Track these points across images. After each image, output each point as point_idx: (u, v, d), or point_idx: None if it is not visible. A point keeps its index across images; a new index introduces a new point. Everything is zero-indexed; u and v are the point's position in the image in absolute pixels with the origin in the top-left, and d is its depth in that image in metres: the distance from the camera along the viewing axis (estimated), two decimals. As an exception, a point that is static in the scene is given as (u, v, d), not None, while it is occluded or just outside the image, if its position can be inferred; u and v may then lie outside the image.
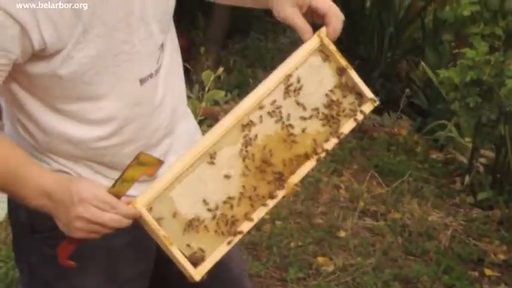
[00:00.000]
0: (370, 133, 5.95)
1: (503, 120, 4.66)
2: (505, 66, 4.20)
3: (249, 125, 2.02)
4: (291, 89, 2.05)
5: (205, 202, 1.97)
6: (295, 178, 2.04)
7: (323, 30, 2.06)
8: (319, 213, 4.81)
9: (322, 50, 2.08)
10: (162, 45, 2.03)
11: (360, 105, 2.11)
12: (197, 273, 1.93)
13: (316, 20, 2.09)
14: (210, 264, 1.96)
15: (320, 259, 4.31)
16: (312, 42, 2.06)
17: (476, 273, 4.30)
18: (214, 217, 1.98)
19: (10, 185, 1.89)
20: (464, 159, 5.47)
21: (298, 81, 2.05)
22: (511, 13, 4.59)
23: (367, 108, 2.12)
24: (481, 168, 5.24)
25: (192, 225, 1.96)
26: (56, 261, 1.93)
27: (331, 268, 4.22)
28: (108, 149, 2.02)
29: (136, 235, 2.01)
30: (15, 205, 2.10)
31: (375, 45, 7.19)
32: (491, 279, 4.29)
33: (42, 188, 1.86)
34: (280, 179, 2.03)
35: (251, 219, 2.01)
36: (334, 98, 2.09)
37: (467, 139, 5.55)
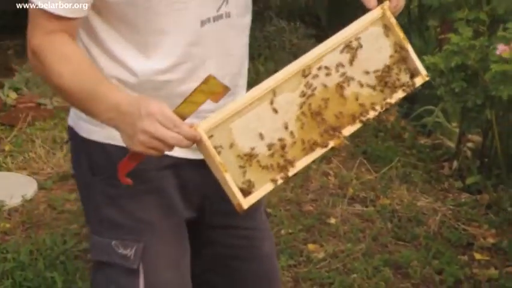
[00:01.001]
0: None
1: (489, 105, 4.68)
2: (490, 51, 4.22)
3: (310, 75, 2.14)
4: (351, 50, 2.18)
5: (261, 138, 2.09)
6: (345, 132, 2.17)
7: (387, 3, 2.22)
8: (309, 201, 4.83)
9: (383, 21, 2.23)
10: None
11: (411, 78, 2.26)
12: (246, 202, 2.04)
13: None
14: (255, 198, 2.07)
15: (310, 246, 4.33)
16: (375, 13, 2.22)
17: (465, 257, 4.33)
18: (267, 153, 2.09)
19: (84, 99, 2.02)
20: (451, 145, 5.49)
21: (359, 44, 2.19)
22: (495, -2, 4.61)
23: (418, 82, 2.27)
24: (469, 153, 5.27)
25: (246, 157, 2.07)
26: (119, 199, 2.20)
27: (321, 255, 4.25)
28: (165, 84, 2.15)
29: (184, 179, 2.28)
30: (76, 156, 2.32)
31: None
32: (481, 263, 4.32)
33: (113, 101, 1.97)
34: (331, 130, 2.14)
35: (296, 166, 2.12)
36: (389, 66, 2.23)
37: (454, 124, 5.58)
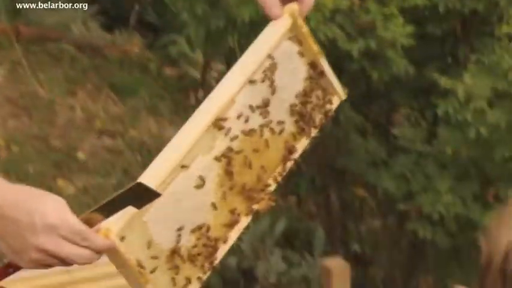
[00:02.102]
0: (102, 51, 5.88)
1: (231, 30, 4.68)
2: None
3: (224, 127, 1.70)
4: (267, 79, 1.76)
5: (181, 226, 1.67)
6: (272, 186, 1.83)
7: (295, 7, 1.78)
8: (56, 136, 4.73)
9: (294, 32, 1.81)
10: None
11: (327, 97, 1.91)
12: None
13: None
14: None
15: (60, 182, 4.27)
16: (284, 23, 1.79)
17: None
18: (191, 243, 1.69)
19: None
20: (197, 74, 5.56)
21: (273, 71, 1.77)
22: None
23: (335, 102, 1.92)
24: (214, 83, 5.36)
25: (168, 256, 1.65)
26: None
27: (71, 190, 4.20)
28: None
29: None
30: None
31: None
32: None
33: None
34: (257, 191, 1.79)
35: (227, 241, 1.75)
36: (307, 90, 1.86)
37: (199, 53, 5.63)
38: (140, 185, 1.45)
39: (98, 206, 1.46)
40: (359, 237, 4.07)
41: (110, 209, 1.47)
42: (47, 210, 1.44)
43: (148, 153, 4.64)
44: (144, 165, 4.39)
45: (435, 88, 3.63)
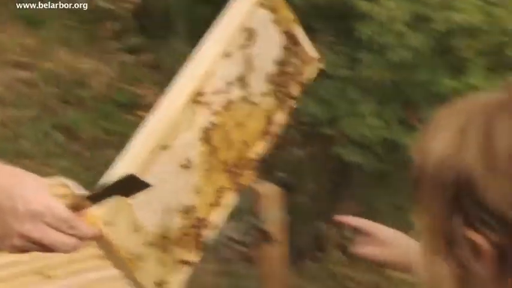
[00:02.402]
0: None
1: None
2: None
3: (202, 102, 1.65)
4: (241, 52, 1.72)
5: (167, 207, 1.63)
6: (257, 150, 1.79)
7: None
8: (-34, 69, 4.60)
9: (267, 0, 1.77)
10: None
11: (303, 66, 1.87)
12: None
13: None
14: (179, 283, 1.66)
15: (-24, 115, 4.17)
16: None
17: (131, 117, 4.40)
18: (179, 225, 1.65)
19: None
20: (110, 6, 5.46)
21: (249, 41, 1.73)
22: None
23: (313, 70, 1.88)
24: (127, 14, 5.28)
25: (156, 240, 1.62)
26: None
27: (-12, 124, 4.11)
28: None
29: None
30: None
31: None
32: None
33: None
34: (239, 167, 1.74)
35: (214, 223, 1.71)
36: (283, 59, 1.81)
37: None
38: (131, 176, 1.41)
39: (88, 195, 1.43)
40: (284, 165, 4.11)
41: (97, 197, 1.43)
42: (30, 196, 1.37)
43: (64, 84, 4.56)
44: (61, 97, 4.28)
45: (354, 12, 3.64)
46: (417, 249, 1.21)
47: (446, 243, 1.10)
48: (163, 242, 1.63)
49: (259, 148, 1.79)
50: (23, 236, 1.38)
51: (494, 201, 1.04)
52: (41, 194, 1.38)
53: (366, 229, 1.75)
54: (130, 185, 1.42)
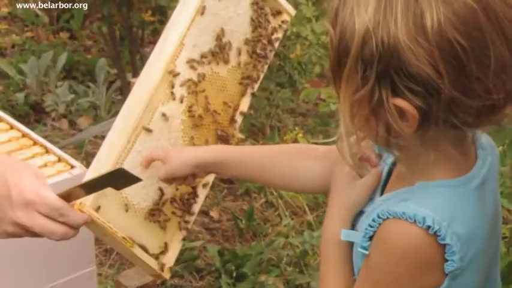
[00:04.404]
0: None
1: None
2: None
3: (177, 73, 1.73)
4: (210, 15, 1.79)
5: (154, 182, 1.72)
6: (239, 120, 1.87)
7: None
8: None
9: None
10: None
11: (277, 16, 1.92)
12: (167, 272, 1.73)
13: None
14: (173, 258, 1.75)
15: None
16: None
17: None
18: (168, 198, 1.75)
19: None
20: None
21: (216, 3, 1.79)
22: None
23: (286, 19, 1.93)
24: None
25: (148, 215, 1.72)
26: None
27: None
28: None
29: None
30: None
31: None
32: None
33: None
34: (223, 129, 1.82)
35: (206, 186, 1.82)
36: (255, 17, 1.86)
37: None
38: (121, 170, 1.47)
39: (79, 184, 1.51)
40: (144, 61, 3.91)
41: (90, 187, 1.51)
42: (25, 185, 1.45)
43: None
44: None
45: None
46: None
47: (372, 112, 1.19)
48: (155, 215, 1.72)
49: (243, 106, 1.86)
50: (15, 223, 1.46)
51: (419, 67, 1.12)
52: (36, 183, 1.47)
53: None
54: (120, 178, 1.48)
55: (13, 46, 4.33)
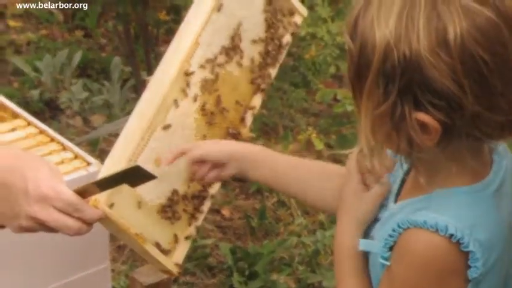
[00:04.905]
0: None
1: None
2: None
3: (192, 72, 1.74)
4: (224, 17, 1.80)
5: (168, 180, 1.74)
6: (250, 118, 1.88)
7: None
8: None
9: None
10: None
11: (290, 16, 1.93)
12: (177, 268, 1.75)
13: None
14: (183, 254, 1.77)
15: None
16: None
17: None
18: (180, 196, 1.76)
19: None
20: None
21: (230, 4, 1.79)
22: None
23: (298, 20, 1.94)
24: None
25: (160, 212, 1.73)
26: None
27: None
28: None
29: None
30: None
31: None
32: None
33: None
34: (235, 127, 1.84)
35: (211, 188, 1.83)
36: (268, 18, 1.87)
37: None
38: (138, 167, 1.47)
39: (95, 181, 1.52)
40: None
41: (105, 184, 1.51)
42: (41, 180, 1.46)
43: None
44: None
45: None
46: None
47: (393, 127, 1.18)
48: (167, 212, 1.73)
49: (255, 103, 1.88)
50: (30, 217, 1.47)
51: (442, 82, 1.11)
52: (52, 178, 1.48)
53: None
54: (136, 176, 1.48)
55: (28, 43, 4.38)
